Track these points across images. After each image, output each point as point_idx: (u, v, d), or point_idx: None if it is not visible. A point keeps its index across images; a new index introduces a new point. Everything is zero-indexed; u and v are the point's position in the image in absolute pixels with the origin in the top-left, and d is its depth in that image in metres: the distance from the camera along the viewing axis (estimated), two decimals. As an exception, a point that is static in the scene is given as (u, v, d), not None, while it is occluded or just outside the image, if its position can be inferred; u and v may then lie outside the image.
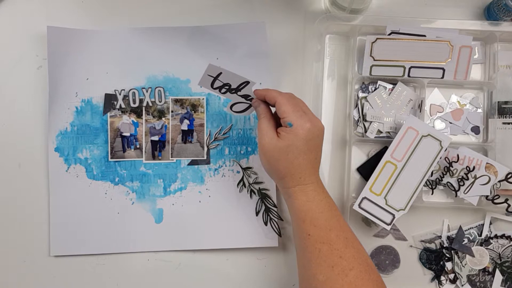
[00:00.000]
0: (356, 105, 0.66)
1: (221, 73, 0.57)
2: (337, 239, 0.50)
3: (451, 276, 0.64)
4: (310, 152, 0.53)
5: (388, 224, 0.60)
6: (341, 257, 0.49)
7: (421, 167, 0.60)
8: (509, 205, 0.62)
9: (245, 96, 0.58)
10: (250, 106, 0.59)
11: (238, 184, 0.65)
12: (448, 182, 0.63)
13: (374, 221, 0.60)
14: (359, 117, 0.66)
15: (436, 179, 0.63)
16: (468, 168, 0.62)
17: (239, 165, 0.65)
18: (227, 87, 0.58)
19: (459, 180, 0.63)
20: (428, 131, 0.61)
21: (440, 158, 0.61)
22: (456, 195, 0.63)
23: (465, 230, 0.65)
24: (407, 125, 0.61)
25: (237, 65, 0.66)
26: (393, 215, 0.60)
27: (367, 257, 0.51)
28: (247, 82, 0.57)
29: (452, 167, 0.63)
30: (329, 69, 0.68)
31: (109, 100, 0.66)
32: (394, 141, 0.61)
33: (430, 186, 0.63)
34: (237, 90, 0.58)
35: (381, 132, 0.65)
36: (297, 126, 0.52)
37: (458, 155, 0.63)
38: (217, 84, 0.58)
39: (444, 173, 0.63)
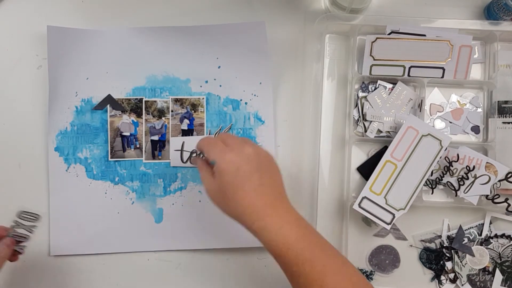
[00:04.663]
0: (356, 105, 0.66)
1: (183, 142, 0.61)
2: (312, 270, 0.47)
3: (451, 275, 0.64)
4: (248, 181, 0.48)
5: (388, 224, 0.60)
6: (322, 286, 0.47)
7: (421, 166, 0.60)
8: (509, 205, 0.61)
9: None
10: None
11: (238, 184, 0.65)
12: (448, 181, 0.63)
13: (374, 220, 0.60)
14: (359, 116, 0.66)
15: (436, 178, 0.63)
16: (468, 168, 0.62)
17: (239, 164, 0.65)
18: (194, 155, 0.61)
19: (459, 179, 0.63)
20: (428, 130, 0.61)
21: (440, 157, 0.61)
22: (456, 195, 0.63)
23: (465, 230, 0.64)
24: (407, 124, 0.61)
25: (237, 65, 0.66)
26: (393, 215, 0.60)
27: (353, 275, 0.48)
28: None
29: (452, 166, 0.62)
30: (329, 69, 0.68)
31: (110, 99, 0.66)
32: (394, 141, 0.61)
33: (430, 185, 0.63)
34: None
35: (381, 132, 0.65)
36: (219, 161, 0.49)
37: (458, 155, 0.63)
38: (185, 156, 0.61)
39: (444, 172, 0.63)
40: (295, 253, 0.47)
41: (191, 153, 0.63)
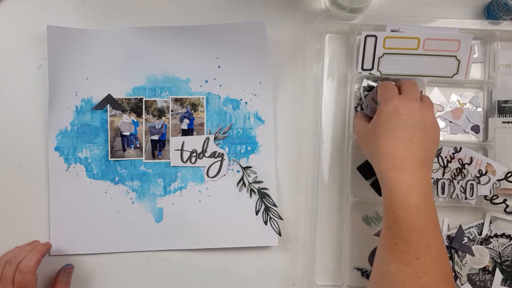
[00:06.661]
0: (356, 104, 0.66)
1: (183, 141, 0.63)
2: (417, 241, 0.47)
3: (451, 275, 0.64)
4: (400, 130, 0.49)
5: None
6: (417, 259, 0.47)
7: None
8: (507, 206, 0.62)
9: (213, 154, 0.63)
10: (221, 164, 0.63)
11: (238, 184, 0.65)
12: (461, 186, 0.63)
13: None
14: (359, 116, 0.66)
15: (437, 178, 0.63)
16: (480, 172, 0.62)
17: (239, 164, 0.65)
18: (194, 155, 0.62)
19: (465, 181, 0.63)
20: None
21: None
22: (465, 198, 0.63)
23: (465, 229, 0.64)
24: None
25: (237, 65, 0.66)
26: None
27: (447, 266, 0.48)
28: (207, 138, 0.63)
29: (448, 166, 0.63)
30: (329, 69, 0.68)
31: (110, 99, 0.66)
32: None
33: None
34: (203, 152, 0.62)
35: (381, 131, 0.65)
36: (383, 103, 0.50)
37: (455, 154, 0.63)
38: (185, 155, 0.62)
39: (456, 174, 0.63)
40: (408, 217, 0.47)
41: (191, 152, 0.63)
